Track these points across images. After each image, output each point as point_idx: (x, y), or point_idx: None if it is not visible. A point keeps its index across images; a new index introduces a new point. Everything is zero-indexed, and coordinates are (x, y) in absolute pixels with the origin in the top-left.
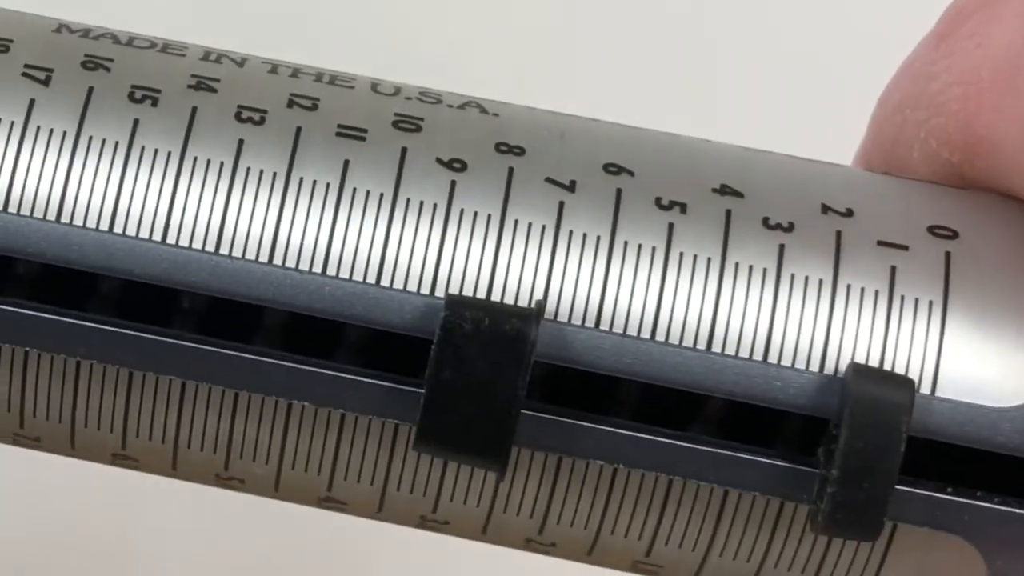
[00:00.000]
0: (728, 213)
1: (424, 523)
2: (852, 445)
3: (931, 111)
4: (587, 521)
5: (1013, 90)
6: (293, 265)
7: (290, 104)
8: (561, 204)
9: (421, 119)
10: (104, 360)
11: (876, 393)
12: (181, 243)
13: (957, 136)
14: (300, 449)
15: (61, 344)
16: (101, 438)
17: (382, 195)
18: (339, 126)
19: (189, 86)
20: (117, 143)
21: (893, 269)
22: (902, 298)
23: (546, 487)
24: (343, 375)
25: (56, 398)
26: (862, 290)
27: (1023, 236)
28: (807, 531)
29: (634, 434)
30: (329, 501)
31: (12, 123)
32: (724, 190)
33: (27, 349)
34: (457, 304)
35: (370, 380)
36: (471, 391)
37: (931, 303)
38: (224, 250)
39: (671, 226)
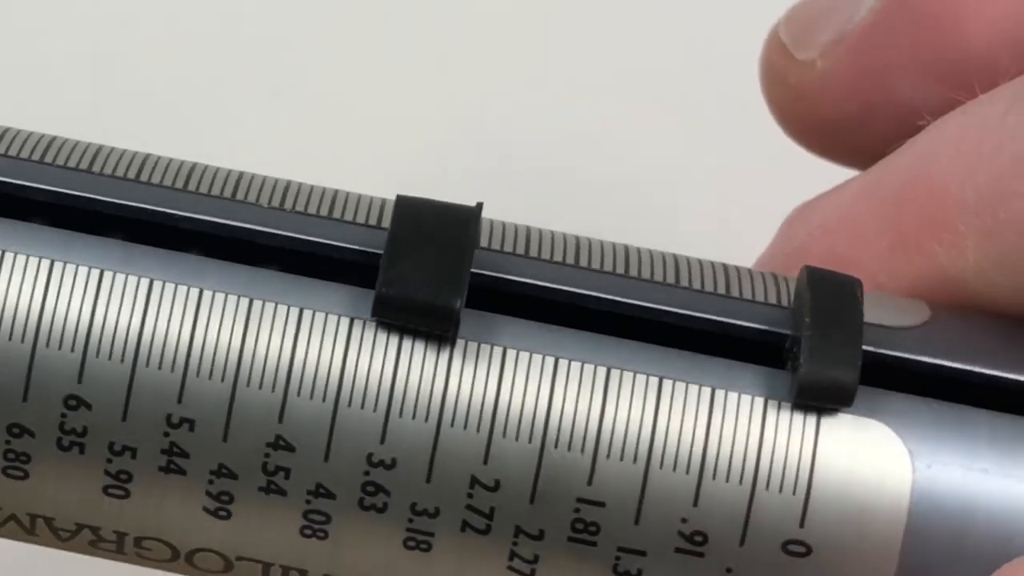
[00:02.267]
0: None
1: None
2: (819, 302)
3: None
4: (533, 425)
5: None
6: None
7: None
8: None
9: None
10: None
11: (829, 272)
12: None
13: None
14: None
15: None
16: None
17: None
18: None
19: None
20: None
21: None
22: None
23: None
24: (304, 277)
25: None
26: None
27: None
28: (740, 423)
29: (574, 330)
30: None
31: None
32: None
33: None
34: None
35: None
36: (426, 247)
37: None
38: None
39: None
